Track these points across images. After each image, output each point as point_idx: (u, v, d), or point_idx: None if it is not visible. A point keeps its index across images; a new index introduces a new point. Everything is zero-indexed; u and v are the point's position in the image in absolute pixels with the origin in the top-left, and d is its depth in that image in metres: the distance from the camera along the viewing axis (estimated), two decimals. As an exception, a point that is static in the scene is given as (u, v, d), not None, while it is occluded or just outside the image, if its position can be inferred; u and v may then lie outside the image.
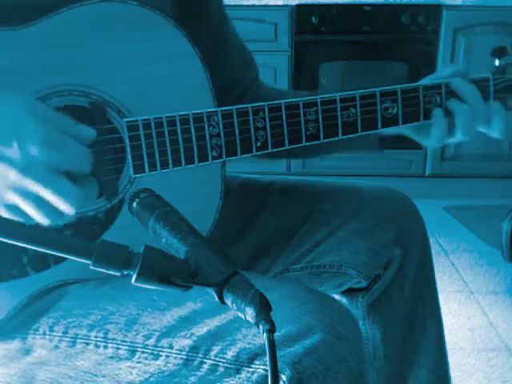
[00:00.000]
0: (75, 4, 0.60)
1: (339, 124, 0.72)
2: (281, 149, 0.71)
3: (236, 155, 0.69)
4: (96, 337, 0.59)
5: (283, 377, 0.50)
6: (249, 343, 0.53)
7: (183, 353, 0.55)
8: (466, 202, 2.64)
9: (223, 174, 0.70)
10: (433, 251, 0.88)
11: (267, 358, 0.38)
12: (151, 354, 0.57)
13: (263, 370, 0.52)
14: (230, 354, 0.53)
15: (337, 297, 0.89)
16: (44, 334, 0.61)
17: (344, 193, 0.87)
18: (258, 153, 0.70)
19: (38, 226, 0.52)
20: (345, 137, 0.73)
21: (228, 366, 0.54)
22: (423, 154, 2.65)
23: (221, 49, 0.82)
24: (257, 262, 0.85)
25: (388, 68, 2.61)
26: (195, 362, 0.55)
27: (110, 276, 0.42)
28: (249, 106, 0.68)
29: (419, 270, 0.85)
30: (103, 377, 0.59)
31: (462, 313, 1.79)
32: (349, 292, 0.88)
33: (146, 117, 0.63)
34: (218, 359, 0.54)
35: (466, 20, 2.48)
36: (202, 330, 0.56)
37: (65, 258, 0.61)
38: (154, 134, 0.64)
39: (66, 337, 0.60)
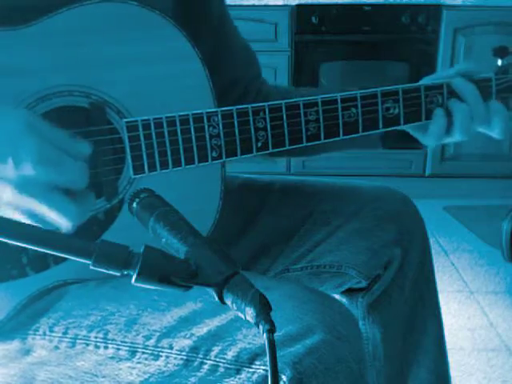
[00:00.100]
0: (75, 4, 0.60)
1: (340, 124, 0.72)
2: (281, 149, 0.71)
3: (236, 155, 0.69)
4: (96, 337, 0.59)
5: (283, 377, 0.50)
6: (249, 343, 0.53)
7: (183, 353, 0.55)
8: (466, 202, 2.64)
9: (223, 174, 0.70)
10: (433, 251, 0.88)
11: (267, 358, 0.38)
12: (151, 354, 0.57)
13: (263, 370, 0.52)
14: (230, 355, 0.53)
15: (337, 297, 0.89)
16: (44, 334, 0.61)
17: (344, 193, 0.87)
18: (259, 153, 0.70)
19: (37, 226, 0.52)
20: (346, 137, 0.73)
21: (228, 366, 0.53)
22: (423, 154, 2.65)
23: (221, 48, 0.82)
24: (257, 262, 0.85)
25: (388, 68, 2.61)
26: (195, 363, 0.55)
27: (110, 276, 0.42)
28: (249, 106, 0.68)
29: (419, 270, 0.85)
30: (103, 377, 0.59)
31: (462, 313, 1.79)
32: (349, 292, 0.88)
33: (145, 117, 0.63)
34: (218, 359, 0.54)
35: (466, 20, 2.48)
36: (202, 330, 0.56)
37: (64, 259, 0.61)
38: (153, 134, 0.64)
39: (66, 337, 0.60)
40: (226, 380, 0.53)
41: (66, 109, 0.61)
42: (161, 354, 0.56)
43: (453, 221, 2.50)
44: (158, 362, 0.56)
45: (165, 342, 0.56)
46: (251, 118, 0.68)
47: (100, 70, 0.62)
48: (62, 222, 0.52)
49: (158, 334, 0.57)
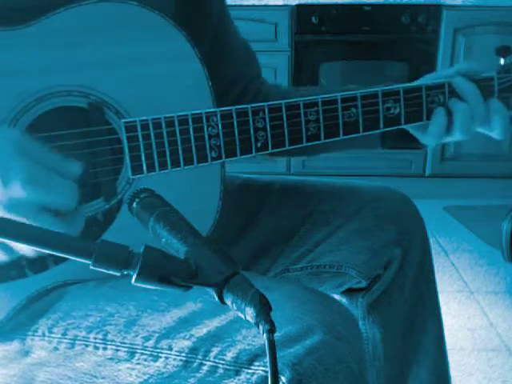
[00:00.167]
0: (73, 4, 0.60)
1: (340, 124, 0.72)
2: (281, 149, 0.71)
3: (235, 156, 0.68)
4: (95, 338, 0.59)
5: (283, 378, 0.50)
6: (248, 344, 0.53)
7: (182, 354, 0.55)
8: (466, 202, 2.64)
9: (223, 174, 0.70)
10: (433, 251, 0.88)
11: (267, 359, 0.38)
12: (150, 355, 0.57)
13: (262, 371, 0.52)
14: (229, 356, 0.53)
15: (337, 297, 0.89)
16: (43, 335, 0.61)
17: (344, 193, 0.87)
18: (258, 153, 0.70)
19: (37, 226, 0.52)
20: (346, 137, 0.73)
21: (227, 367, 0.53)
22: (423, 154, 2.65)
23: (221, 48, 0.82)
24: (257, 261, 0.85)
25: (388, 68, 2.61)
26: (194, 364, 0.55)
27: (110, 276, 0.42)
28: (248, 106, 0.67)
29: (419, 269, 0.85)
30: (103, 378, 0.58)
31: (462, 313, 1.79)
32: (349, 292, 0.88)
33: (144, 117, 0.63)
34: (217, 361, 0.54)
35: (465, 20, 2.48)
36: (201, 331, 0.55)
37: (64, 259, 0.61)
38: (152, 134, 0.63)
39: (65, 338, 0.60)
40: (226, 381, 0.53)
41: (64, 109, 0.61)
42: (160, 355, 0.56)
43: (453, 221, 2.50)
44: (157, 363, 0.56)
45: (164, 343, 0.56)
46: (251, 118, 0.68)
47: (99, 70, 0.62)
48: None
49: (157, 334, 0.57)
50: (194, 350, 0.55)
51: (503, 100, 0.75)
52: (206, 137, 0.66)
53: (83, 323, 0.60)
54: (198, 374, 0.54)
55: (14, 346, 0.62)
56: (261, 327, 0.38)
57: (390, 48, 2.56)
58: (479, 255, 2.20)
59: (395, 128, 0.75)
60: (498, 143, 2.57)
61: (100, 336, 0.59)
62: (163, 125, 0.64)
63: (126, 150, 0.63)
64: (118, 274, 0.40)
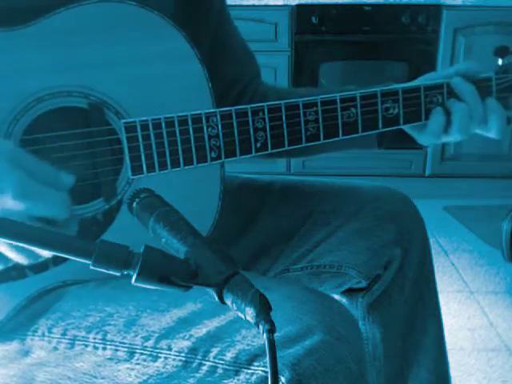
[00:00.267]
0: (73, 4, 0.60)
1: (339, 124, 0.72)
2: (280, 149, 0.71)
3: (235, 156, 0.68)
4: (95, 338, 0.59)
5: (282, 378, 0.50)
6: (248, 345, 0.53)
7: (182, 354, 0.55)
8: (466, 202, 2.64)
9: (222, 174, 0.70)
10: (433, 251, 0.88)
11: (267, 359, 0.38)
12: (150, 355, 0.57)
13: (262, 371, 0.52)
14: (229, 356, 0.53)
15: (337, 297, 0.89)
16: (43, 335, 0.61)
17: (344, 193, 0.87)
18: (258, 154, 0.70)
19: (38, 226, 0.52)
20: (345, 137, 0.73)
21: (227, 367, 0.53)
22: (423, 154, 2.65)
23: (220, 48, 0.82)
24: (257, 262, 0.85)
25: (388, 68, 2.61)
26: (194, 364, 0.55)
27: (110, 276, 0.42)
28: (248, 106, 0.67)
29: (419, 269, 0.85)
30: (102, 378, 0.58)
31: (462, 313, 1.79)
32: (349, 292, 0.88)
33: (143, 118, 0.63)
34: (216, 361, 0.54)
35: (466, 20, 2.48)
36: (201, 331, 0.55)
37: (64, 259, 0.61)
38: (152, 135, 0.64)
39: (65, 338, 0.60)
40: (225, 381, 0.53)
41: (64, 109, 0.61)
42: (159, 355, 0.56)
43: (453, 221, 2.50)
44: (156, 364, 0.56)
45: (163, 343, 0.56)
46: (250, 119, 0.68)
47: (99, 70, 0.62)
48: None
49: (156, 335, 0.57)
50: (193, 350, 0.55)
51: (501, 100, 0.75)
52: (206, 137, 0.66)
53: (83, 323, 0.60)
54: (197, 374, 0.54)
55: (14, 346, 0.62)
56: (261, 327, 0.38)
57: (390, 48, 2.56)
58: (479, 255, 2.20)
59: (394, 128, 0.75)
60: (498, 143, 2.57)
61: (99, 336, 0.59)
62: (163, 125, 0.64)
63: (126, 151, 0.63)
64: (118, 274, 0.40)
